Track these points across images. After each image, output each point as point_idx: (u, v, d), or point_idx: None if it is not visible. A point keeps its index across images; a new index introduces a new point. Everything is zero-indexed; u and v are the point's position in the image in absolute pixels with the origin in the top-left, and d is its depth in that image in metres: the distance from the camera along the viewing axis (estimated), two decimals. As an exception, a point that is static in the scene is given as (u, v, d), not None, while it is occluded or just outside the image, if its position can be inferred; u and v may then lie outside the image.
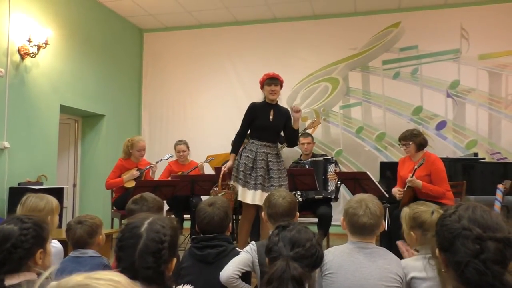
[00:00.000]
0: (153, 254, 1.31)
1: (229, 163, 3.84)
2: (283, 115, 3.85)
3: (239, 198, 3.67)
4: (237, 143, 3.87)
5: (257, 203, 3.57)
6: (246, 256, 2.06)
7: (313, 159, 4.94)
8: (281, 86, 3.84)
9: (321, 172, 4.72)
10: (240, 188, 3.67)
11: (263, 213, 2.39)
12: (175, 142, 5.30)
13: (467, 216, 1.13)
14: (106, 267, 2.10)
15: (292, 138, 3.97)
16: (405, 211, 2.04)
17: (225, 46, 6.66)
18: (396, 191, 4.02)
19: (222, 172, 3.84)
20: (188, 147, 5.26)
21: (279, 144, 5.41)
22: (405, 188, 3.86)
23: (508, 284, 1.07)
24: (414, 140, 3.94)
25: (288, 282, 1.35)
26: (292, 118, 3.83)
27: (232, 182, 3.77)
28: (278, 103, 3.89)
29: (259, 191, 3.59)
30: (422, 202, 2.06)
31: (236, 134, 3.90)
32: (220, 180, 3.82)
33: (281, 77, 3.81)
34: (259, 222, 3.79)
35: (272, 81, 3.74)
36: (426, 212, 1.90)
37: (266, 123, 3.77)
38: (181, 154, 5.18)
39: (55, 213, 2.33)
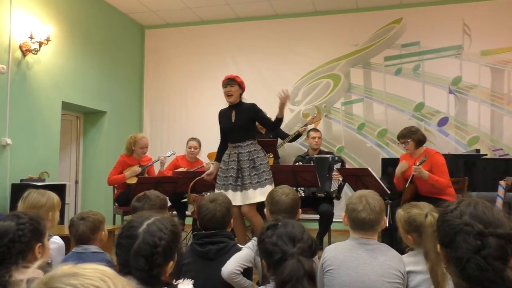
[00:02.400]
0: (145, 258, 1.29)
1: (210, 170, 3.93)
2: (246, 112, 3.76)
3: None
4: (218, 151, 3.93)
5: None
6: (248, 252, 2.07)
7: (319, 155, 4.93)
8: (241, 87, 3.76)
9: (326, 169, 4.70)
10: (217, 192, 3.69)
11: (265, 210, 2.39)
12: (188, 138, 5.32)
13: (468, 212, 1.13)
14: (109, 262, 2.10)
15: (272, 126, 3.84)
16: (400, 214, 2.02)
17: (227, 42, 6.65)
18: (402, 163, 3.97)
19: (198, 178, 3.98)
20: (200, 145, 5.27)
21: (280, 140, 5.45)
22: (407, 184, 3.86)
23: (509, 280, 1.07)
24: (413, 137, 3.93)
25: (303, 279, 1.33)
26: (279, 104, 3.63)
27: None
28: (243, 100, 3.83)
29: (229, 191, 3.59)
30: (415, 204, 2.03)
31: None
32: (190, 187, 4.01)
33: (238, 78, 3.74)
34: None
35: (226, 83, 3.72)
36: (420, 215, 1.87)
37: (229, 125, 3.78)
38: (192, 150, 5.21)
39: (56, 209, 2.33)
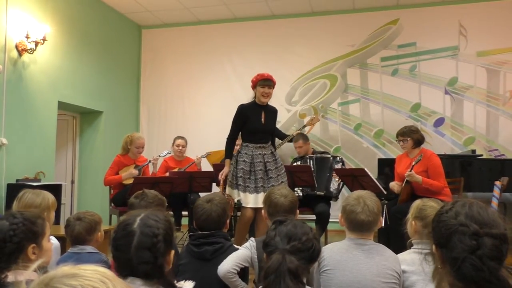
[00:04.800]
0: (148, 249, 1.31)
1: (225, 170, 3.78)
2: (273, 116, 3.84)
3: (244, 204, 3.64)
4: (231, 148, 3.82)
5: (260, 206, 3.57)
6: (245, 251, 2.07)
7: (318, 155, 4.92)
8: (273, 88, 3.78)
9: (326, 169, 4.70)
10: (241, 194, 3.64)
11: (263, 211, 2.38)
12: (174, 137, 5.31)
13: (464, 213, 1.14)
14: (104, 263, 2.10)
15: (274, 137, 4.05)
16: (417, 202, 2.07)
17: (223, 42, 6.65)
18: (394, 184, 4.02)
19: (221, 180, 3.81)
20: (186, 143, 5.29)
21: (278, 140, 5.46)
22: (403, 184, 3.87)
23: (504, 280, 1.07)
24: (412, 136, 3.95)
25: (285, 274, 1.34)
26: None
27: (227, 189, 3.74)
28: (268, 102, 3.83)
29: (261, 194, 3.55)
30: (435, 200, 2.08)
31: (227, 138, 3.83)
32: (221, 189, 3.82)
33: (274, 79, 3.75)
34: (254, 219, 3.79)
35: (266, 83, 3.66)
36: (433, 208, 1.90)
37: (258, 126, 3.72)
38: (180, 149, 5.22)
39: (51, 209, 2.32)
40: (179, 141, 5.25)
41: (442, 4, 5.95)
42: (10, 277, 1.41)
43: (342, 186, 4.73)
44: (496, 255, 1.07)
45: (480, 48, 5.77)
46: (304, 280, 1.48)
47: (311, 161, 4.80)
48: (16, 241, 1.48)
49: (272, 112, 3.84)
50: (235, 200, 3.68)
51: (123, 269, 1.32)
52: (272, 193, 2.32)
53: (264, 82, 3.66)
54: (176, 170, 5.01)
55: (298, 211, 2.35)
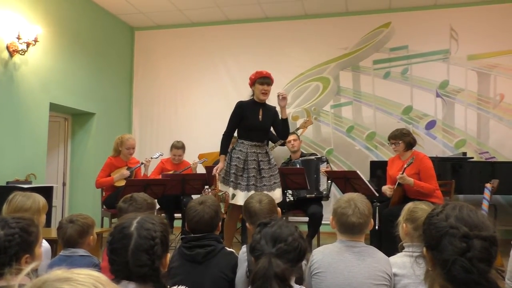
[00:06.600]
0: (146, 252, 1.31)
1: (220, 165, 3.76)
2: (271, 114, 3.82)
3: (231, 201, 3.63)
4: (226, 144, 3.79)
5: None
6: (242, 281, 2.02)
7: (304, 158, 4.97)
8: (271, 85, 3.80)
9: (313, 171, 4.75)
10: (231, 190, 3.64)
11: (247, 224, 2.36)
12: (173, 143, 5.21)
13: (454, 215, 1.15)
14: (96, 266, 2.09)
15: (283, 131, 3.85)
16: (408, 205, 2.08)
17: (217, 44, 6.65)
18: (387, 188, 4.05)
19: (217, 176, 3.78)
20: (184, 151, 5.21)
21: (271, 143, 5.47)
22: (395, 187, 3.89)
23: (493, 282, 1.09)
24: (404, 139, 3.98)
25: (271, 279, 1.34)
26: (280, 108, 3.72)
27: (219, 184, 3.74)
28: (266, 101, 3.84)
29: (252, 192, 3.54)
30: (426, 203, 2.09)
31: (223, 134, 3.81)
32: (217, 185, 3.80)
33: (272, 76, 3.78)
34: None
35: (265, 80, 3.67)
36: (424, 211, 1.91)
37: (255, 123, 3.72)
38: (177, 158, 5.15)
39: (41, 212, 2.29)
40: (176, 151, 5.13)
41: (434, 8, 6.00)
42: (2, 282, 1.40)
43: (331, 184, 4.75)
44: (485, 257, 1.09)
45: (471, 51, 5.83)
46: (293, 280, 1.48)
47: (297, 165, 4.83)
48: (11, 253, 1.45)
49: (269, 111, 3.83)
50: (230, 196, 3.67)
51: (119, 272, 1.32)
52: (248, 203, 2.31)
53: (263, 80, 3.67)
54: (171, 172, 4.99)
55: (279, 210, 2.35)
